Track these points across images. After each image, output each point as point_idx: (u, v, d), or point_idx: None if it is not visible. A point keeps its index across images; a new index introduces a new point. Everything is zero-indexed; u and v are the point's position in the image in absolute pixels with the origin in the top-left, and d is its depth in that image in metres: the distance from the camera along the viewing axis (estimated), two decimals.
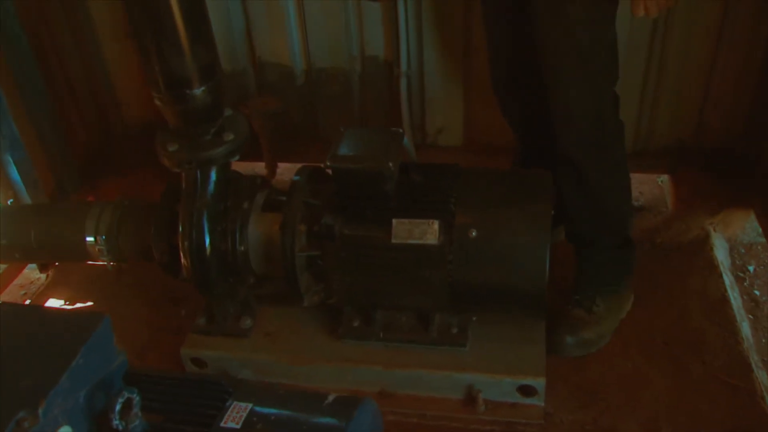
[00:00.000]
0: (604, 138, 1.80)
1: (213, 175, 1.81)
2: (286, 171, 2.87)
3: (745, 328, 2.04)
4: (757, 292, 2.23)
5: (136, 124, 2.82)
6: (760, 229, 2.32)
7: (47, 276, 2.48)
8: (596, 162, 1.81)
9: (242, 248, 1.85)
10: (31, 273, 2.50)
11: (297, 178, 1.87)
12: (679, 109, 2.46)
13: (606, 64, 1.73)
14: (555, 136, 1.80)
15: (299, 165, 2.84)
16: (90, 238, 1.98)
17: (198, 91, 1.66)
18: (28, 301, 2.38)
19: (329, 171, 1.73)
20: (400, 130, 1.80)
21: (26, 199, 2.35)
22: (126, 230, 1.98)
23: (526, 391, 1.80)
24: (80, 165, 2.70)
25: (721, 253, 2.30)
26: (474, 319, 1.88)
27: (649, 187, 2.69)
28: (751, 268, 2.33)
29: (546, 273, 1.66)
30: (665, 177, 2.65)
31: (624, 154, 1.89)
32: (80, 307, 2.32)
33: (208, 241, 1.82)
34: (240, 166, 2.92)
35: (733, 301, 2.11)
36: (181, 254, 1.83)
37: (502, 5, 1.88)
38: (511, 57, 1.97)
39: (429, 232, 1.70)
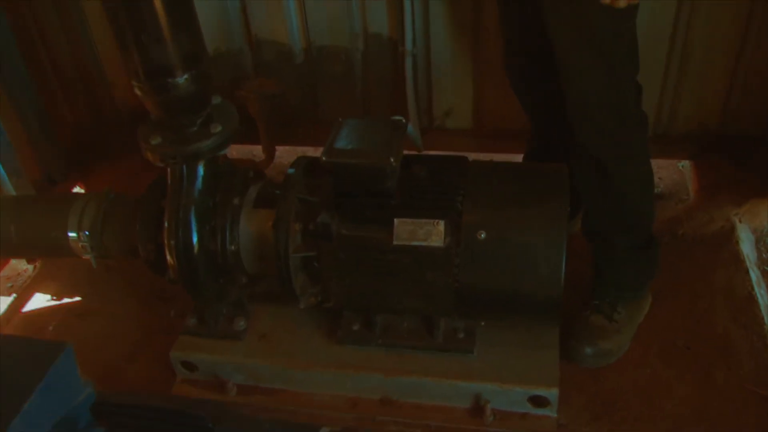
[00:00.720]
0: (624, 131, 1.64)
1: (200, 170, 1.67)
2: (285, 154, 2.73)
3: None
4: None
5: (128, 108, 2.67)
6: None
7: (35, 268, 2.37)
8: (616, 156, 1.66)
9: (233, 247, 1.72)
10: (19, 264, 2.39)
11: (292, 171, 1.73)
12: (703, 93, 2.29)
13: (626, 55, 1.58)
14: (571, 128, 1.65)
15: (298, 148, 2.78)
16: (72, 234, 1.86)
17: (181, 79, 1.53)
18: (14, 295, 2.27)
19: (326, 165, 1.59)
20: (404, 120, 1.66)
21: (9, 189, 2.23)
22: (111, 226, 1.85)
23: (538, 401, 1.67)
24: (68, 151, 2.57)
25: (746, 246, 2.15)
26: (482, 323, 1.75)
27: (669, 172, 2.54)
28: None
29: (561, 280, 1.52)
30: (686, 162, 2.49)
31: (646, 148, 1.73)
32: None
33: (195, 239, 1.69)
34: (237, 150, 2.83)
35: (760, 299, 1.97)
36: (167, 254, 1.70)
37: None
38: (525, 41, 1.80)
39: (434, 233, 1.56)
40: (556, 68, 1.61)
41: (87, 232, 1.84)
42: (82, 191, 2.64)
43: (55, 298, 2.24)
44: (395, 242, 1.57)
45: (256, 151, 2.71)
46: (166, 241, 1.69)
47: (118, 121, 2.73)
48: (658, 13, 2.11)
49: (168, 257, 1.71)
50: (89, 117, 2.68)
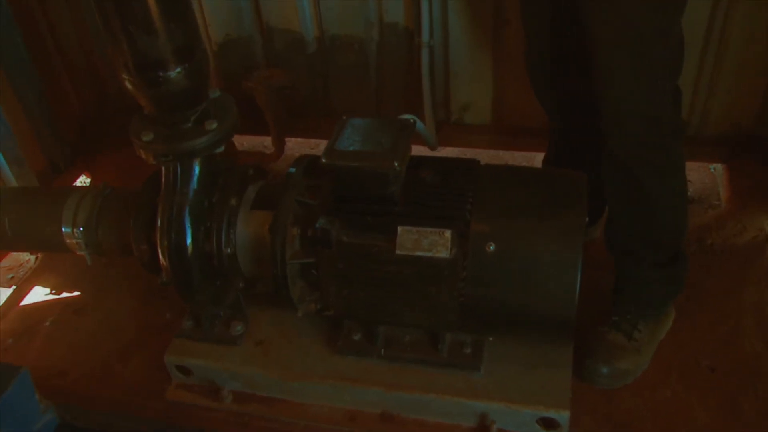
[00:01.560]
0: (660, 139, 1.51)
1: (195, 168, 1.59)
2: (297, 146, 2.65)
3: None
4: None
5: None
6: None
7: (36, 259, 2.31)
8: (650, 166, 1.54)
9: (229, 250, 1.63)
10: (20, 255, 2.33)
11: (293, 170, 1.63)
12: (738, 92, 2.14)
13: (668, 58, 1.45)
14: (602, 135, 1.52)
15: (310, 140, 2.68)
16: (67, 230, 1.79)
17: (173, 73, 1.43)
18: (13, 287, 2.22)
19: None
20: (413, 119, 1.54)
21: (9, 179, 2.16)
22: (106, 222, 1.78)
23: (548, 423, 1.57)
24: (73, 139, 2.50)
25: None
26: (490, 339, 1.65)
27: (699, 175, 2.40)
28: None
29: (575, 299, 1.41)
30: (719, 166, 2.35)
31: (683, 158, 1.61)
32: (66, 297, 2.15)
33: (189, 241, 1.61)
34: (249, 141, 2.74)
35: None
36: (160, 255, 1.62)
37: None
38: (550, 37, 1.67)
39: (439, 244, 1.45)
40: (581, 69, 1.49)
41: (81, 228, 1.77)
42: (88, 180, 2.58)
43: (54, 291, 2.18)
44: (398, 252, 1.47)
45: (267, 142, 2.62)
46: (158, 242, 1.61)
47: (124, 109, 2.63)
48: (692, 10, 1.95)
49: (160, 258, 1.63)
50: (95, 104, 2.61)
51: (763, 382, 1.68)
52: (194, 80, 1.48)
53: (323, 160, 1.47)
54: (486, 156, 2.43)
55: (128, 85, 1.47)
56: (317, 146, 2.59)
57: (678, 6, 1.40)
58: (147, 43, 1.38)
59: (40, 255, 2.31)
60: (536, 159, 2.26)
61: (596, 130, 1.56)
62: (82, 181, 2.56)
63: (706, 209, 2.25)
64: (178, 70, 1.43)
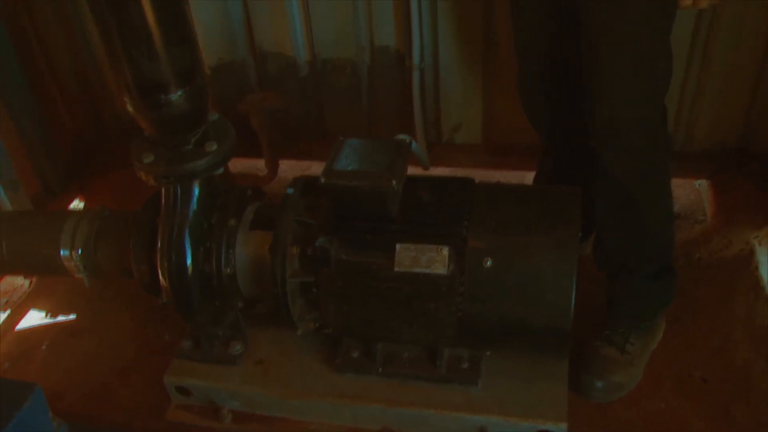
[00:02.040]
0: (652, 152, 1.57)
1: (195, 190, 1.61)
2: (289, 168, 2.67)
3: None
4: None
5: (130, 118, 2.59)
6: None
7: (30, 283, 2.31)
8: (642, 179, 1.58)
9: (229, 270, 1.65)
10: (15, 279, 2.33)
11: (290, 191, 1.66)
12: (722, 109, 2.21)
13: (663, 70, 1.51)
14: (593, 149, 1.57)
15: (302, 163, 2.71)
16: (65, 252, 1.80)
17: (174, 96, 1.45)
18: (8, 311, 2.22)
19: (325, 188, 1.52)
20: (408, 139, 1.58)
21: (4, 203, 2.17)
22: (105, 244, 1.79)
23: None
24: (68, 162, 2.51)
25: (767, 271, 2.06)
26: (488, 353, 1.67)
27: (685, 191, 2.45)
28: None
29: (571, 312, 1.44)
30: (703, 181, 2.40)
31: (670, 173, 1.65)
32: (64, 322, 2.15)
33: (189, 261, 1.62)
34: (241, 164, 2.76)
35: None
36: (160, 275, 1.64)
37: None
38: (543, 55, 1.72)
39: (437, 260, 1.48)
40: (573, 91, 1.54)
41: (80, 251, 1.78)
42: (81, 203, 2.59)
43: (50, 314, 2.18)
44: (396, 269, 1.49)
45: (260, 165, 2.64)
46: (158, 263, 1.63)
47: (119, 132, 2.67)
48: (676, 24, 2.02)
49: (161, 279, 1.64)
50: (90, 128, 2.63)
51: (755, 391, 1.71)
52: (195, 102, 1.50)
53: (322, 180, 1.50)
54: (477, 175, 2.45)
55: (130, 108, 1.49)
56: (310, 168, 2.62)
57: (671, 17, 1.46)
58: (149, 66, 1.41)
59: (34, 279, 2.32)
60: (527, 177, 2.30)
61: (587, 150, 1.61)
62: (76, 204, 2.57)
63: (693, 224, 2.30)
64: (180, 92, 1.46)
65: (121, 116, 2.66)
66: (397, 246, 1.50)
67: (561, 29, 1.57)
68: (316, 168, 2.51)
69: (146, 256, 1.69)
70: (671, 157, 1.66)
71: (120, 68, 1.42)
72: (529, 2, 1.66)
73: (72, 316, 2.16)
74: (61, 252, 1.80)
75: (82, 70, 2.54)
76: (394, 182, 1.46)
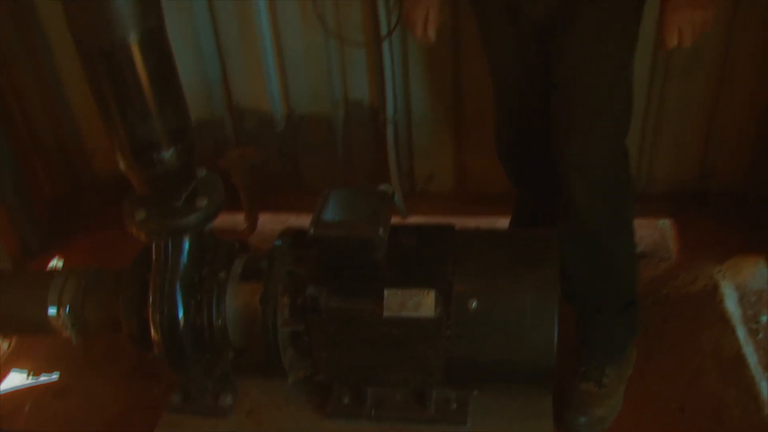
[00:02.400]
0: (616, 191, 1.68)
1: (186, 244, 1.65)
2: (268, 221, 2.71)
3: (765, 389, 1.89)
4: None
5: (108, 176, 2.65)
6: None
7: (10, 344, 2.30)
8: (606, 217, 1.69)
9: (220, 322, 1.68)
10: None
11: (278, 243, 1.71)
12: (681, 151, 2.35)
13: (627, 111, 1.64)
14: (565, 194, 1.66)
15: (281, 215, 2.77)
16: (53, 310, 1.81)
17: (167, 154, 1.51)
18: None
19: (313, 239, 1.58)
20: (390, 190, 1.66)
21: None
22: (92, 301, 1.81)
23: None
24: (46, 222, 2.53)
25: (731, 303, 2.16)
26: (475, 393, 1.72)
27: (649, 231, 2.56)
28: (763, 318, 2.18)
29: (555, 348, 1.51)
30: (666, 221, 2.52)
31: (633, 211, 1.76)
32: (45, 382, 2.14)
33: (181, 314, 1.65)
34: (219, 218, 2.79)
35: (749, 358, 1.97)
36: (152, 330, 1.66)
37: (518, 43, 1.72)
38: (519, 111, 1.84)
39: (424, 304, 1.54)
40: (547, 145, 1.64)
41: (68, 308, 1.80)
42: (60, 261, 2.59)
43: (32, 374, 2.16)
44: (385, 314, 1.55)
45: (239, 219, 2.69)
46: (150, 317, 1.65)
47: (97, 191, 2.71)
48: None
49: (153, 333, 1.66)
50: (68, 187, 2.65)
51: (728, 419, 1.79)
52: (185, 159, 1.56)
53: (312, 232, 1.55)
54: (453, 222, 2.55)
55: (122, 167, 1.54)
56: (288, 221, 2.67)
57: (632, 62, 1.58)
58: (143, 127, 1.46)
59: (13, 339, 2.30)
60: (500, 223, 2.39)
61: (560, 197, 1.71)
62: (55, 263, 2.57)
63: (658, 262, 2.41)
64: (171, 150, 1.51)
65: (99, 176, 2.70)
66: (385, 291, 1.56)
67: (533, 84, 1.68)
68: (294, 220, 2.57)
69: (136, 310, 1.71)
70: (634, 197, 1.76)
71: (114, 129, 1.48)
72: (505, 63, 1.79)
73: (55, 375, 2.15)
74: (49, 310, 1.81)
75: (60, 131, 2.58)
76: (380, 230, 1.53)
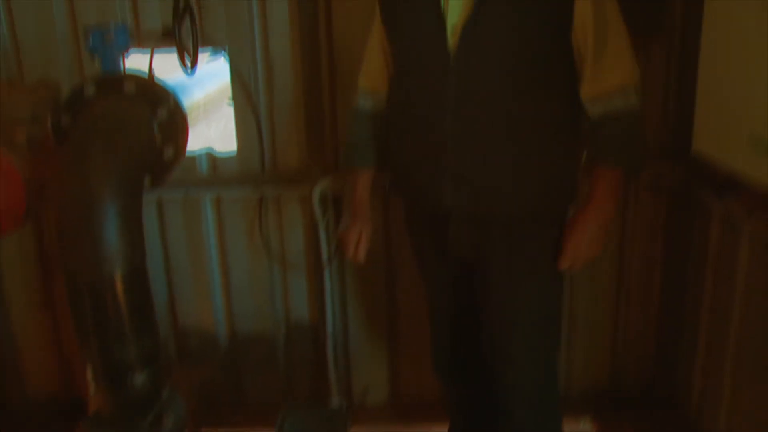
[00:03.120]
0: (550, 405, 1.87)
1: None
2: None
3: None
4: None
5: (42, 399, 2.63)
6: None
7: None
8: (543, 427, 1.86)
9: None
10: None
11: None
12: (593, 355, 2.60)
13: (555, 337, 1.86)
14: (502, 405, 1.84)
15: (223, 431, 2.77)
16: None
17: (140, 377, 1.61)
18: None
19: None
20: (345, 406, 1.78)
21: None
22: None
23: None
24: None
25: None
26: None
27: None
28: None
29: None
30: (587, 421, 2.71)
31: (562, 418, 1.95)
32: None
33: None
34: None
35: None
36: None
37: (449, 274, 1.91)
38: (459, 346, 2.01)
39: None
40: (483, 366, 1.84)
41: None
42: None
43: None
44: None
45: None
46: None
47: (27, 415, 2.65)
48: None
49: None
50: (17, 406, 2.61)
51: None
52: (155, 380, 1.65)
53: None
54: None
55: (93, 390, 1.61)
56: None
57: (560, 294, 1.84)
58: (120, 352, 1.57)
59: None
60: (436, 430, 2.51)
61: (496, 406, 1.88)
62: None
63: None
64: (144, 373, 1.61)
65: (31, 398, 2.66)
66: None
67: (467, 312, 1.90)
68: None
69: None
70: (562, 413, 1.97)
71: (91, 355, 1.58)
72: (440, 293, 1.98)
73: None
74: None
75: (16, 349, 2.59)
76: None
